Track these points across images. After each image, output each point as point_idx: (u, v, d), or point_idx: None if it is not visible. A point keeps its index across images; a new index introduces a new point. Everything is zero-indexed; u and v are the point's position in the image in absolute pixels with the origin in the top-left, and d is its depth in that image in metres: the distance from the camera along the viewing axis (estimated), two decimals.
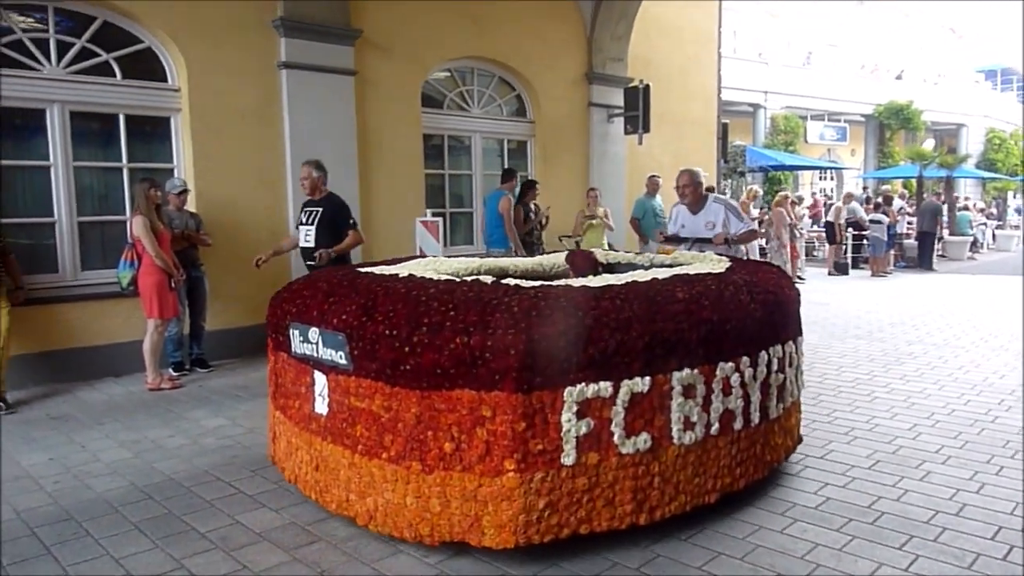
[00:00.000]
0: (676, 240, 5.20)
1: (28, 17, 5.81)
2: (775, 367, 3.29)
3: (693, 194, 5.13)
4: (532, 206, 8.19)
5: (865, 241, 14.06)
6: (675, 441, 2.87)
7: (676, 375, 2.84)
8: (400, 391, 2.73)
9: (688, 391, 2.89)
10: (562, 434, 2.64)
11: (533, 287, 2.87)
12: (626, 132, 10.12)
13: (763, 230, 12.30)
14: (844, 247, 14.05)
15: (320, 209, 5.43)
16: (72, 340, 5.87)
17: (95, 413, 4.96)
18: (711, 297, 3.07)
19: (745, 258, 5.06)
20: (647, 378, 2.76)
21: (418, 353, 2.66)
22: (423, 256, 5.69)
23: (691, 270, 3.60)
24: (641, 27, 10.23)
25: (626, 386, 2.72)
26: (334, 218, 5.40)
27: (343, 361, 2.90)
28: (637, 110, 9.85)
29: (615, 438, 2.73)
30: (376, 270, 3.42)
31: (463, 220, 9.11)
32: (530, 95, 9.41)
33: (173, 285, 5.58)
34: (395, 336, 2.71)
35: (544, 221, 8.29)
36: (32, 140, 5.81)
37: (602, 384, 2.68)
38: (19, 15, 5.76)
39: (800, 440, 3.77)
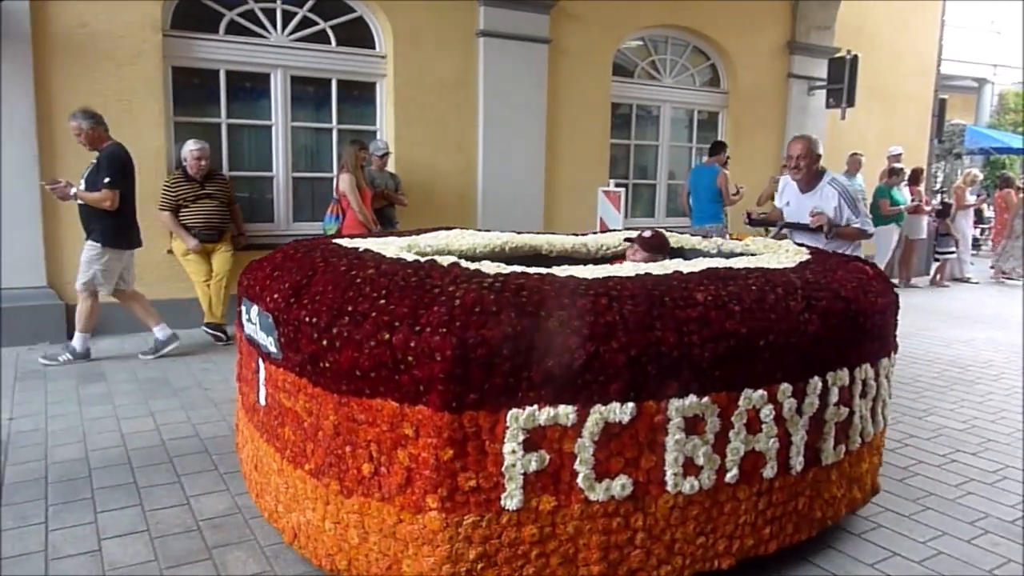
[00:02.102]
0: (762, 224, 4.34)
1: None
2: (835, 398, 2.48)
3: (808, 169, 4.20)
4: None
5: None
6: (669, 488, 2.18)
7: (675, 403, 2.13)
8: (320, 393, 2.22)
9: (693, 425, 2.18)
10: (503, 469, 2.03)
11: (504, 273, 2.25)
12: (828, 106, 9.33)
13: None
14: None
15: (96, 162, 4.90)
16: None
17: None
18: (745, 301, 2.32)
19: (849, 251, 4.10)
20: (630, 404, 2.08)
21: (336, 348, 2.12)
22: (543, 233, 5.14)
23: (749, 262, 2.84)
24: None
25: (598, 413, 2.05)
26: (99, 171, 4.86)
27: (273, 348, 2.42)
28: (842, 82, 9.04)
29: (579, 480, 2.07)
30: (358, 242, 2.90)
31: (646, 192, 8.93)
32: (725, 65, 9.03)
33: None
34: (315, 325, 2.20)
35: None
36: (257, 102, 6.40)
37: (562, 409, 2.03)
38: None
39: (876, 491, 2.91)
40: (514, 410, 2.00)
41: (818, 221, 3.96)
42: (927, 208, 10.04)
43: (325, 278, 2.32)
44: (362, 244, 2.80)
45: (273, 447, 2.50)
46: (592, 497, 2.09)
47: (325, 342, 2.15)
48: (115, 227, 4.96)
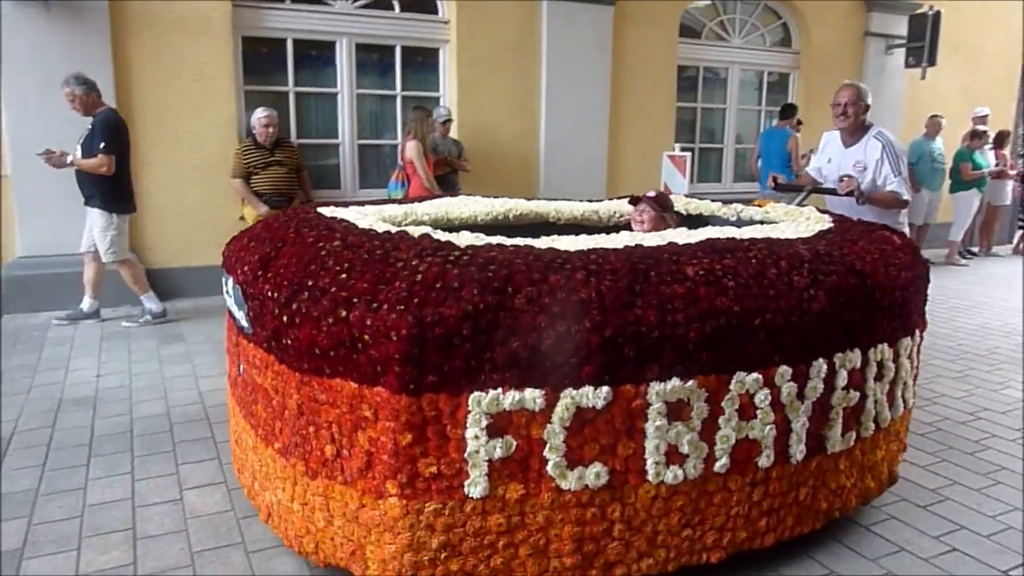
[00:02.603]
0: (789, 189, 4.06)
1: None
2: (843, 382, 2.27)
3: (855, 118, 3.88)
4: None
5: None
6: (650, 478, 2.02)
7: (656, 387, 1.97)
8: (285, 371, 2.13)
9: (677, 410, 2.01)
10: (466, 455, 1.90)
11: (476, 245, 2.10)
12: (907, 65, 8.85)
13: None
14: None
15: (91, 128, 4.87)
16: None
17: None
18: (741, 276, 2.12)
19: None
20: (604, 388, 1.92)
21: (297, 325, 2.02)
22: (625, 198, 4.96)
23: (761, 232, 2.63)
24: None
25: (569, 397, 1.90)
26: (94, 137, 4.83)
27: (245, 323, 2.34)
28: (923, 40, 8.54)
29: (549, 467, 1.94)
30: (341, 211, 2.77)
31: (713, 156, 8.63)
32: (798, 23, 8.63)
33: None
34: (276, 300, 2.09)
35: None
36: (323, 70, 6.45)
37: (529, 392, 1.88)
38: None
39: (893, 480, 2.70)
40: (476, 393, 1.86)
41: (847, 186, 3.67)
42: (1012, 173, 9.40)
43: (291, 250, 2.21)
44: (343, 213, 2.68)
45: (249, 423, 2.43)
46: (564, 486, 1.95)
47: (285, 318, 2.05)
48: (113, 192, 4.95)
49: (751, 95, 8.76)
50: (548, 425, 1.91)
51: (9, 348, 4.55)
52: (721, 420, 2.07)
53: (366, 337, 1.87)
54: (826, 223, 2.91)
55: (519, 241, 2.18)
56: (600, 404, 1.91)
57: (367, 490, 1.97)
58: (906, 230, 4.00)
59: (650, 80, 7.60)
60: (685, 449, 2.03)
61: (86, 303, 5.15)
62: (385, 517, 1.95)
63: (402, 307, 1.85)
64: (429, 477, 1.91)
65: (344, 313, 1.90)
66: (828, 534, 2.49)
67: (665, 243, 2.28)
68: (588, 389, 1.90)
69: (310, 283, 2.02)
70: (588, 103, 7.17)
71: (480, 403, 1.86)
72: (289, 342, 2.06)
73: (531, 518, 1.96)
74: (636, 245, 2.24)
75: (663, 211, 3.17)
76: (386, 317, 1.85)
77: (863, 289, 2.33)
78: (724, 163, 8.66)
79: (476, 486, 1.91)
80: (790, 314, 2.12)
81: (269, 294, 2.12)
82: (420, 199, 3.59)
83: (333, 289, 1.97)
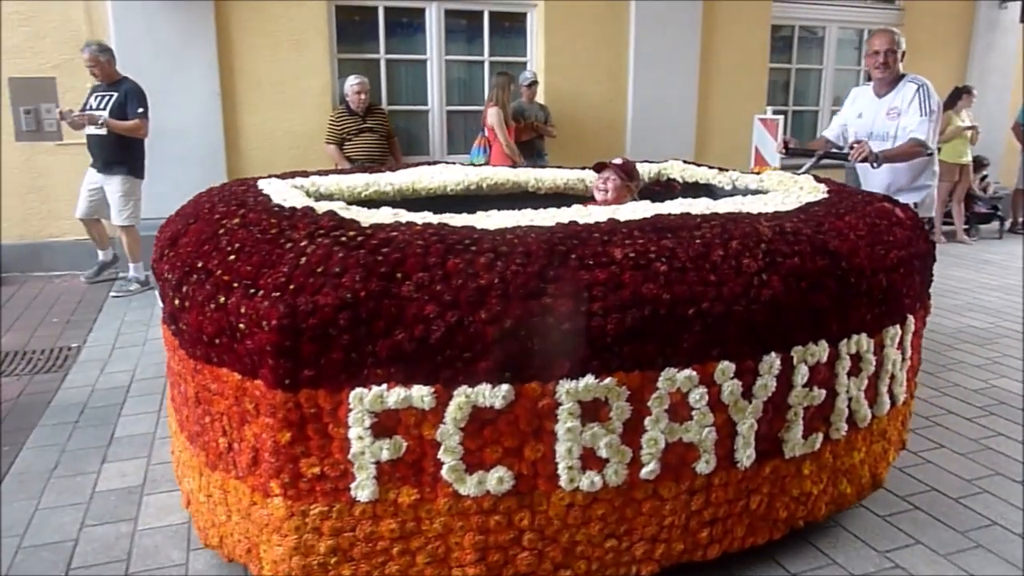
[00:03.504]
0: (801, 154, 3.70)
1: None
2: (804, 379, 2.00)
3: (892, 65, 3.53)
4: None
5: None
6: (563, 484, 1.82)
7: (566, 385, 1.75)
8: (183, 356, 2.00)
9: (593, 410, 1.79)
10: (350, 456, 1.74)
11: (384, 223, 1.90)
12: (1022, 20, 8.11)
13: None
14: None
15: (114, 93, 4.96)
16: None
17: None
18: (678, 260, 1.87)
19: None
20: (505, 386, 1.71)
21: (187, 309, 1.88)
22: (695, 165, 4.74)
23: (736, 204, 2.36)
24: None
25: (463, 396, 1.71)
26: (125, 103, 4.94)
27: (160, 303, 2.23)
28: None
29: (445, 471, 1.76)
30: (277, 183, 2.61)
31: (807, 119, 8.18)
32: None
33: None
34: (170, 281, 1.96)
35: None
36: (413, 37, 6.46)
37: (416, 390, 1.70)
38: None
39: (877, 484, 2.41)
40: (358, 390, 1.69)
41: (859, 152, 3.29)
42: None
43: (196, 227, 2.06)
44: (276, 185, 2.51)
45: (173, 407, 2.34)
46: (463, 491, 1.77)
47: (177, 301, 1.92)
48: (140, 158, 5.05)
49: (849, 55, 8.17)
50: (441, 426, 1.72)
51: (125, 304, 4.84)
52: (648, 421, 1.84)
53: (241, 326, 1.72)
54: (819, 193, 2.61)
55: (449, 218, 1.98)
56: (499, 404, 1.71)
57: (256, 487, 1.84)
58: (934, 192, 3.61)
59: (742, 41, 7.23)
60: (604, 453, 1.82)
61: (138, 272, 5.19)
62: (272, 518, 1.81)
63: (277, 294, 1.68)
64: (312, 478, 1.76)
65: (223, 299, 1.76)
66: (839, 520, 2.30)
67: (605, 220, 2.04)
68: (485, 387, 1.70)
69: (199, 264, 1.88)
70: (677, 65, 6.93)
71: (363, 400, 1.69)
72: (184, 327, 1.93)
73: (428, 524, 1.79)
74: (569, 223, 2.00)
75: (628, 180, 2.90)
76: (259, 305, 1.69)
77: (834, 272, 2.04)
78: (819, 126, 8.03)
79: (363, 489, 1.75)
80: (734, 302, 1.86)
81: (166, 275, 1.99)
82: (425, 164, 3.39)
83: (219, 272, 1.82)
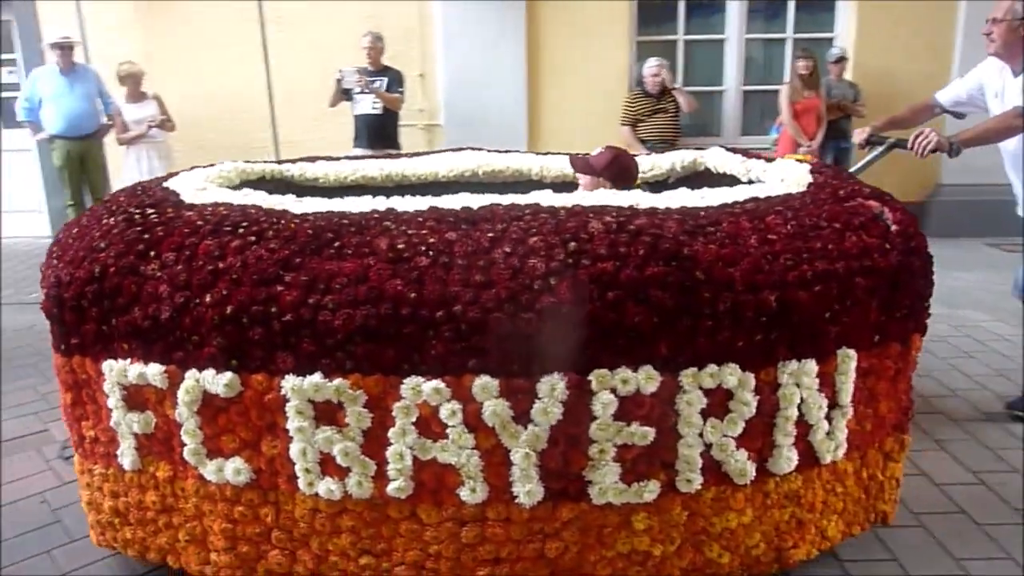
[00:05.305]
0: (872, 143, 2.95)
1: None
2: (611, 409, 1.61)
3: (1000, 40, 2.76)
4: None
5: None
6: (303, 487, 1.70)
7: (292, 380, 1.62)
8: None
9: (327, 413, 1.64)
10: (112, 423, 1.81)
11: (219, 203, 1.94)
12: None
13: None
14: None
15: (385, 78, 5.36)
16: None
17: None
18: (448, 255, 1.63)
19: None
20: (228, 374, 1.65)
21: None
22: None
23: (674, 197, 2.02)
24: None
25: (192, 379, 1.68)
26: (391, 86, 5.38)
27: None
28: None
29: (186, 453, 1.74)
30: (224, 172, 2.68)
31: None
32: None
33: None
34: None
35: None
36: (713, 16, 6.50)
37: (152, 368, 1.71)
38: None
39: (784, 566, 1.85)
40: (109, 361, 1.75)
41: (923, 142, 2.53)
42: None
43: (100, 210, 2.28)
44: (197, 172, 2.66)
45: None
46: (207, 476, 1.75)
47: None
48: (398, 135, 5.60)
49: None
50: (177, 407, 1.71)
51: None
52: (392, 433, 1.64)
53: (43, 290, 1.87)
54: (802, 184, 2.09)
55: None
56: (222, 391, 1.65)
57: (71, 442, 2.00)
58: None
59: None
60: (342, 461, 1.66)
61: None
62: (76, 471, 1.96)
63: (56, 262, 1.81)
64: (91, 440, 1.87)
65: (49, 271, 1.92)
66: None
67: (463, 208, 1.82)
68: (210, 372, 1.66)
69: (61, 236, 2.07)
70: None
71: (112, 371, 1.75)
72: None
73: (184, 503, 1.80)
74: (387, 210, 1.85)
75: (591, 173, 2.54)
76: (47, 273, 1.83)
77: (676, 283, 1.62)
78: None
79: (126, 457, 1.82)
80: (496, 308, 1.57)
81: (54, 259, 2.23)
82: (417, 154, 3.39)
83: (54, 248, 1.99)
